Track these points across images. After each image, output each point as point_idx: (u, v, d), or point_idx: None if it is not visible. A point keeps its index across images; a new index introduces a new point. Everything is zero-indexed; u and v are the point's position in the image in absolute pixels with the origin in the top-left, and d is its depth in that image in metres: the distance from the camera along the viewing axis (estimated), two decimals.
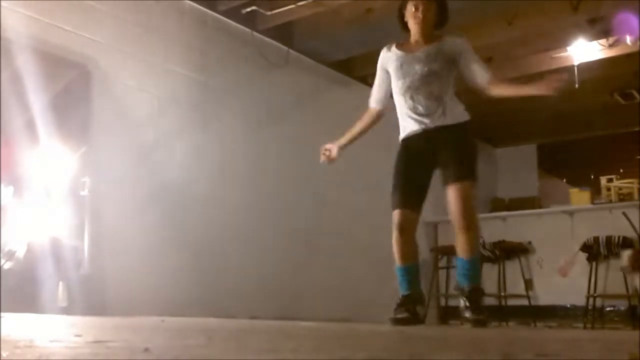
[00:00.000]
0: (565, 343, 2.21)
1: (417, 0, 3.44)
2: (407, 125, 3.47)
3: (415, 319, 3.39)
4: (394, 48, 3.55)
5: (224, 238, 5.47)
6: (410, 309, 3.38)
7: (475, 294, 3.38)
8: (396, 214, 3.41)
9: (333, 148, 3.67)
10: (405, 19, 3.52)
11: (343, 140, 3.70)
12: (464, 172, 3.36)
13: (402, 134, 3.52)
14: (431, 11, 3.45)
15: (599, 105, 8.34)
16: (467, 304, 3.36)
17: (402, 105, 3.48)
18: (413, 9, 3.45)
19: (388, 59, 3.54)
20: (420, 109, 3.40)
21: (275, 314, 5.35)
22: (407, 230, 3.41)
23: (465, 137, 3.45)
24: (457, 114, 3.45)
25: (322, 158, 3.68)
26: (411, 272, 3.45)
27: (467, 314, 3.36)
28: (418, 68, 3.41)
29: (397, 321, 3.34)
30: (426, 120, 3.40)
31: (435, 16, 3.48)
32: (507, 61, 7.11)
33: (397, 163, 3.51)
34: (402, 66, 3.47)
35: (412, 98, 3.41)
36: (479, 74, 3.47)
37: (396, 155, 3.54)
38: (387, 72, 3.54)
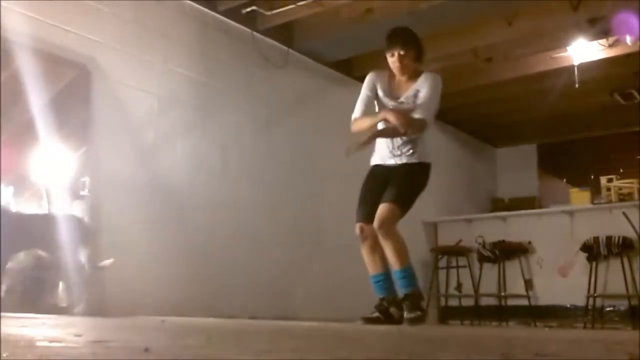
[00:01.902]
0: (565, 343, 2.21)
1: (393, 50, 3.79)
2: (383, 155, 3.89)
3: (386, 319, 3.76)
4: (383, 82, 3.89)
5: (223, 238, 5.47)
6: (383, 310, 3.78)
7: (411, 297, 3.73)
8: (356, 227, 3.84)
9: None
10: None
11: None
12: (395, 196, 3.73)
13: (375, 161, 3.95)
14: (408, 57, 3.81)
15: (599, 105, 8.34)
16: (404, 306, 3.73)
17: (382, 142, 3.89)
18: (392, 58, 3.81)
19: (379, 85, 3.90)
20: (397, 150, 3.84)
21: (275, 314, 5.36)
22: (367, 240, 3.81)
23: (416, 174, 3.85)
24: (423, 154, 3.87)
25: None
26: (382, 279, 3.84)
27: (404, 315, 3.71)
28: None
29: (367, 320, 3.75)
30: (397, 158, 3.85)
31: (414, 58, 3.84)
32: (507, 61, 7.12)
33: (364, 183, 3.95)
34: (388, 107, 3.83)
35: (393, 140, 3.83)
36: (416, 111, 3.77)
37: (365, 179, 3.96)
38: (375, 94, 3.90)
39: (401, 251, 3.74)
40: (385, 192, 3.77)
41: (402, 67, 3.80)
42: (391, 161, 3.86)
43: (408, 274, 3.77)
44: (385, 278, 3.83)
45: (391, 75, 3.90)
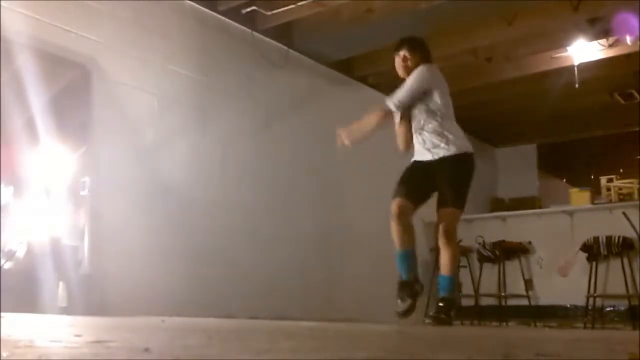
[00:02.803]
0: (565, 343, 2.21)
1: (400, 51, 3.99)
2: (418, 151, 3.96)
3: (415, 303, 3.88)
4: None
5: (223, 238, 5.47)
6: (412, 294, 3.85)
7: (447, 301, 3.87)
8: (393, 202, 3.84)
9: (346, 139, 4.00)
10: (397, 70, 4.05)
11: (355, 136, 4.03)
12: (453, 200, 3.86)
13: (414, 158, 3.99)
14: (417, 61, 3.95)
15: (599, 105, 8.34)
16: (437, 307, 3.88)
17: (415, 140, 3.97)
18: (398, 59, 4.00)
19: None
20: (429, 143, 3.89)
21: (275, 314, 5.36)
22: (402, 217, 3.83)
23: (462, 169, 3.91)
24: (460, 145, 3.89)
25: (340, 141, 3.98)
26: (410, 256, 3.89)
27: (432, 313, 3.90)
28: (418, 111, 3.93)
29: (405, 313, 3.84)
30: (433, 152, 3.88)
31: (417, 63, 3.95)
32: (507, 61, 7.11)
33: (403, 173, 3.98)
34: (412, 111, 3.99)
35: (421, 135, 3.93)
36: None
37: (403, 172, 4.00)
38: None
39: (456, 260, 3.95)
40: (439, 194, 3.88)
41: (406, 67, 3.96)
42: (427, 156, 3.89)
43: (453, 282, 3.96)
44: (412, 255, 3.90)
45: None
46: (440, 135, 3.86)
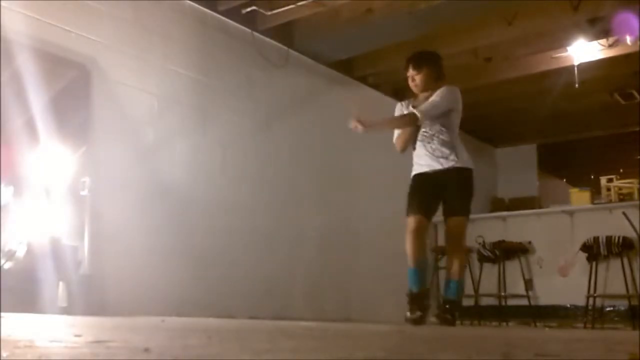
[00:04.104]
0: (565, 343, 2.22)
1: (408, 71, 4.19)
2: (424, 163, 4.13)
3: (425, 315, 4.06)
4: (409, 106, 4.18)
5: (223, 238, 5.47)
6: (421, 307, 4.00)
7: (453, 304, 4.11)
8: (411, 219, 4.03)
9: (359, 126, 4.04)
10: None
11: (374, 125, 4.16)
12: (463, 209, 4.08)
13: (418, 170, 4.17)
14: (425, 76, 4.16)
15: (599, 105, 8.33)
16: (445, 307, 4.10)
17: (421, 148, 4.16)
18: (410, 80, 4.20)
19: (404, 109, 4.21)
20: (438, 152, 4.09)
21: (275, 313, 5.36)
22: (419, 233, 4.02)
23: (468, 181, 4.14)
24: (465, 160, 4.14)
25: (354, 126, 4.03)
26: (421, 272, 4.07)
27: (438, 312, 4.12)
28: (430, 122, 4.11)
29: (414, 321, 3.93)
30: (443, 161, 4.08)
31: (430, 77, 4.17)
32: (507, 61, 7.11)
33: (412, 187, 4.17)
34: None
35: (430, 144, 4.12)
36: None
37: (410, 186, 4.18)
38: None
39: (464, 265, 4.25)
40: (449, 202, 4.08)
41: (416, 86, 4.19)
42: (436, 165, 4.09)
43: (461, 285, 4.21)
44: (425, 269, 4.13)
45: (414, 96, 4.28)
46: (451, 147, 4.11)
